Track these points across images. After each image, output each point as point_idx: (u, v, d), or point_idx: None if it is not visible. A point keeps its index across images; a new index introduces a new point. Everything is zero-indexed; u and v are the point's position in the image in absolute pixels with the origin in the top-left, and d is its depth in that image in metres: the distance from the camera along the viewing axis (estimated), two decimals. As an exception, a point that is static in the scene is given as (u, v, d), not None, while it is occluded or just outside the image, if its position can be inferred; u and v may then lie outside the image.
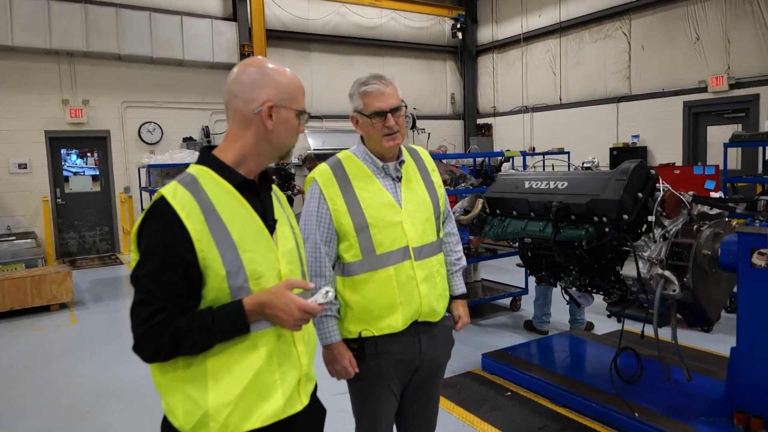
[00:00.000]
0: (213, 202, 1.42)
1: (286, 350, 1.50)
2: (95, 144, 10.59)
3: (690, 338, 4.56)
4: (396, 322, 2.02)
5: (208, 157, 1.51)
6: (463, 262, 2.37)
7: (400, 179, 2.09)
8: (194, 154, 10.21)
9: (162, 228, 1.37)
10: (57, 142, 10.19)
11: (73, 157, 10.63)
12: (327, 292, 1.43)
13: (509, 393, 3.98)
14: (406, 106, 2.06)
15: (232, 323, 1.38)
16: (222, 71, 11.15)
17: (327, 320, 2.02)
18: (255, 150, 1.51)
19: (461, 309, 2.33)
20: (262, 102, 1.47)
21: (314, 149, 11.63)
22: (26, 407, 4.15)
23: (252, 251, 1.44)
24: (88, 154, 10.70)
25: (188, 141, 10.87)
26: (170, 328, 1.34)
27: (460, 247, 2.36)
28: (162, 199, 1.39)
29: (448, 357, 2.25)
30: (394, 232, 2.01)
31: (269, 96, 1.47)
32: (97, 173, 10.73)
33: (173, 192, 1.40)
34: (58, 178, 10.31)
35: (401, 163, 2.10)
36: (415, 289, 2.04)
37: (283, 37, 12.13)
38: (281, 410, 1.48)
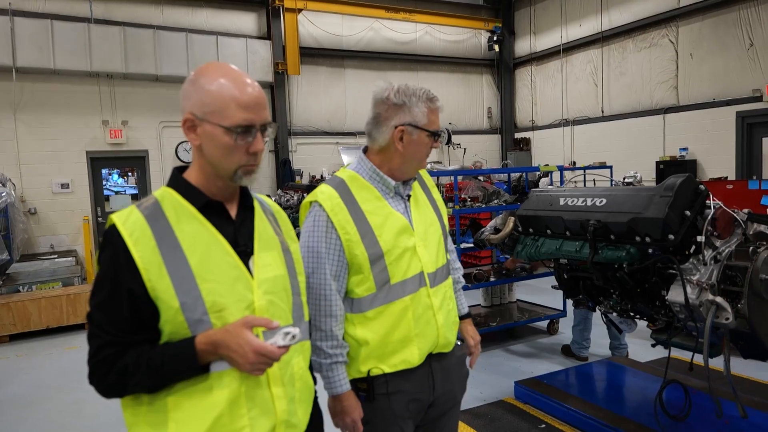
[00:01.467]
0: (173, 227, 1.29)
1: (255, 394, 1.32)
2: (134, 164, 10.81)
3: (744, 367, 4.14)
4: (412, 356, 1.80)
5: (175, 177, 1.38)
6: (463, 279, 2.19)
7: (409, 198, 1.89)
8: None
9: (109, 257, 1.26)
10: (98, 162, 10.43)
11: (115, 176, 10.88)
12: (288, 334, 1.24)
13: (543, 426, 3.69)
14: None
15: (181, 363, 1.24)
16: (257, 89, 11.37)
17: (336, 367, 1.77)
18: (204, 171, 1.36)
19: (471, 329, 2.12)
20: (185, 115, 1.33)
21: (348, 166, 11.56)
22: (51, 429, 4.12)
23: (213, 281, 1.28)
24: (129, 174, 10.93)
25: (224, 159, 10.93)
26: (117, 364, 1.23)
27: (459, 264, 2.18)
28: (112, 226, 1.28)
29: (463, 390, 2.03)
30: (410, 259, 1.80)
31: (191, 108, 1.31)
32: (137, 192, 10.93)
33: (125, 217, 1.28)
34: (98, 198, 10.53)
35: (410, 180, 1.90)
36: (432, 319, 1.83)
37: (316, 55, 12.17)
38: None
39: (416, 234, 1.84)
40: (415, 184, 1.94)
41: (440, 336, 1.85)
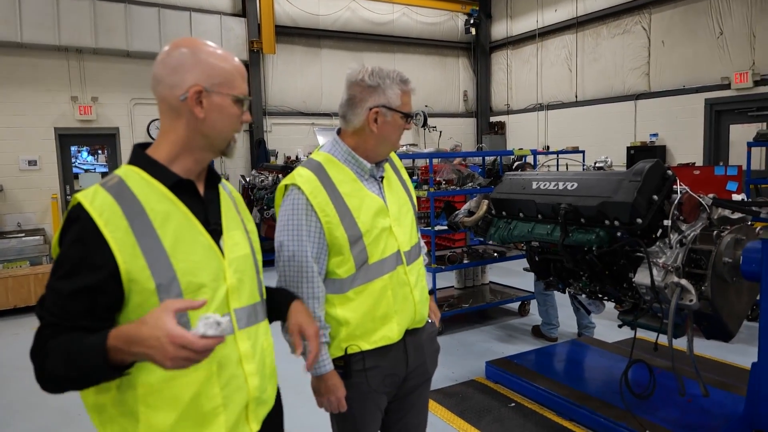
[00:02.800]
0: (143, 206, 1.24)
1: (228, 372, 1.31)
2: (104, 141, 10.54)
3: (707, 348, 4.31)
4: (392, 333, 1.84)
5: (138, 155, 1.32)
6: (426, 258, 2.22)
7: (382, 179, 1.91)
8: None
9: (75, 238, 1.18)
10: (66, 139, 10.14)
11: (84, 154, 10.61)
12: (216, 323, 1.06)
13: (513, 404, 3.79)
14: None
15: (90, 358, 1.11)
16: (231, 68, 11.31)
17: (321, 348, 1.79)
18: (188, 144, 1.31)
19: (433, 306, 2.15)
20: (187, 87, 1.27)
21: (324, 147, 11.51)
22: (17, 409, 4.07)
23: (187, 261, 1.25)
24: (99, 152, 10.68)
25: (197, 138, 10.79)
26: (45, 348, 1.16)
27: (423, 242, 2.21)
28: (78, 206, 1.21)
29: (435, 365, 2.08)
30: (386, 239, 1.83)
31: (197, 80, 1.27)
32: (107, 170, 10.69)
33: (91, 196, 1.22)
34: (67, 175, 10.25)
35: (383, 161, 1.92)
36: (409, 296, 1.88)
37: (292, 34, 11.99)
38: None
39: (391, 214, 1.87)
40: (387, 166, 1.96)
41: (417, 312, 1.91)
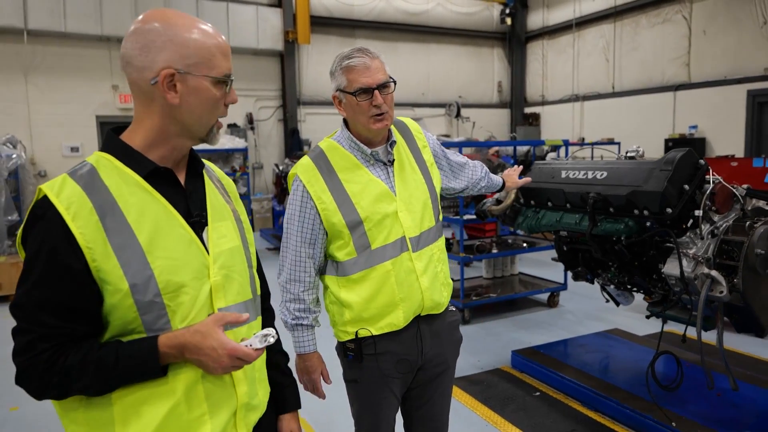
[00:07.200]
0: (115, 198, 1.12)
1: (214, 378, 1.20)
2: (143, 129, 10.84)
3: (738, 342, 4.24)
4: (397, 320, 1.85)
5: (112, 140, 1.19)
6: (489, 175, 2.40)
7: (392, 163, 1.90)
8: (235, 140, 10.29)
9: (42, 235, 1.07)
10: (107, 127, 10.22)
11: (124, 141, 10.92)
12: (266, 336, 1.14)
13: (538, 393, 3.80)
14: (394, 82, 1.82)
15: (139, 365, 1.09)
16: (266, 58, 11.58)
17: (299, 329, 1.90)
18: (163, 132, 1.18)
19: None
20: (158, 70, 1.12)
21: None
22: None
23: (166, 258, 1.14)
24: (138, 139, 10.98)
25: (233, 128, 11.00)
26: (59, 364, 1.07)
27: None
28: (43, 199, 1.09)
29: (456, 355, 2.07)
30: (390, 224, 1.83)
31: (168, 61, 1.12)
32: (145, 158, 10.98)
33: (58, 188, 1.10)
34: (108, 162, 10.60)
35: (392, 144, 1.89)
36: (415, 283, 1.86)
37: (327, 24, 12.07)
38: None
39: (399, 199, 1.85)
40: (402, 147, 1.95)
41: (425, 299, 1.87)
